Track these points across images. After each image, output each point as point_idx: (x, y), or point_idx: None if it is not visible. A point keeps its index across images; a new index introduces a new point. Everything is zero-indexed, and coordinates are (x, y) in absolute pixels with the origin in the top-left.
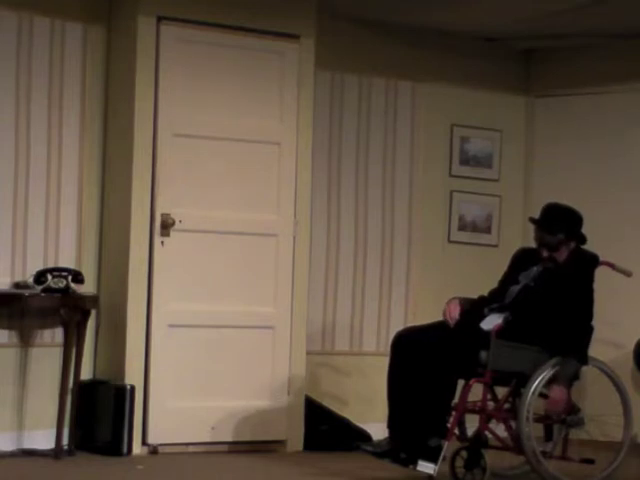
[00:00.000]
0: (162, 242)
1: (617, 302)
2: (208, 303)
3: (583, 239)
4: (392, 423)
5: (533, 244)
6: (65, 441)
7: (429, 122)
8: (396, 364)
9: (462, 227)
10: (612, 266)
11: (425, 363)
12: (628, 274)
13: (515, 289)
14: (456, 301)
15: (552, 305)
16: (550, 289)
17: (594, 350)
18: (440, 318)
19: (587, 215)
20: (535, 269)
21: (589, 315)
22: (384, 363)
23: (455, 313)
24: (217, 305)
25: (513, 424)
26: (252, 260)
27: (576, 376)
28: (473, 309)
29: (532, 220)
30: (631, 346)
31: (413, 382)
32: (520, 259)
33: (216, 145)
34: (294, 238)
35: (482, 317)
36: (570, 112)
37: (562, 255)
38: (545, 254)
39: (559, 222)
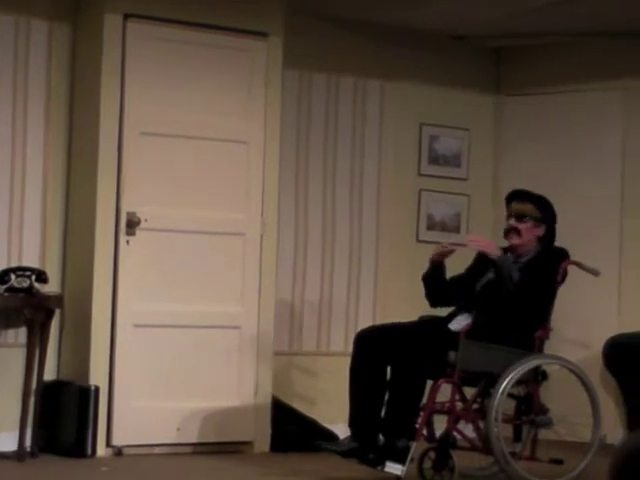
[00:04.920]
0: (127, 241)
1: (586, 302)
2: (174, 303)
3: (553, 231)
4: (354, 422)
5: (503, 244)
6: (28, 443)
7: (398, 121)
8: (359, 361)
9: (431, 226)
10: (579, 265)
11: (391, 362)
12: (596, 273)
13: (481, 283)
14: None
15: (515, 301)
16: (516, 284)
17: (563, 350)
18: (409, 319)
19: (557, 213)
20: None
21: (541, 304)
22: None
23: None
24: (183, 305)
25: (482, 424)
26: (219, 259)
27: (544, 376)
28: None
29: (513, 193)
30: (600, 346)
31: (378, 381)
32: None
33: (183, 143)
34: (261, 237)
35: (453, 316)
36: (540, 111)
37: (530, 244)
38: (515, 240)
39: (537, 196)
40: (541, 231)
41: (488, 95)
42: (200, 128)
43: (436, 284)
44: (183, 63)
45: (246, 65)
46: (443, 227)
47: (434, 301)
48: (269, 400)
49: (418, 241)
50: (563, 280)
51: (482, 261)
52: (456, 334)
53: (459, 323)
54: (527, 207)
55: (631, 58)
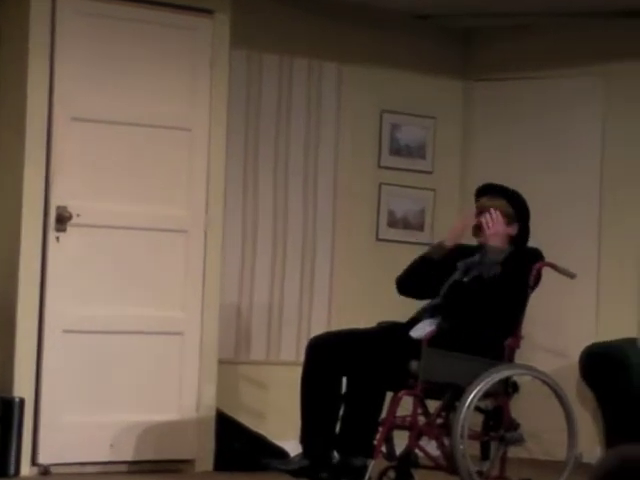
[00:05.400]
0: (57, 238)
1: (561, 307)
2: (109, 306)
3: (527, 229)
4: (306, 438)
5: (471, 243)
6: None
7: (356, 108)
8: (312, 371)
9: (392, 224)
10: (554, 267)
11: (347, 372)
12: (571, 276)
13: (448, 284)
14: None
15: (484, 308)
16: (484, 288)
17: (535, 360)
18: (367, 325)
19: (530, 209)
20: (476, 257)
21: (512, 310)
22: None
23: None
24: (118, 309)
25: (446, 441)
26: (158, 259)
27: (515, 388)
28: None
29: (483, 188)
30: (577, 355)
31: (332, 393)
32: (460, 249)
33: (119, 131)
34: (205, 234)
35: (414, 323)
36: (512, 98)
37: (503, 244)
38: (490, 231)
39: (510, 191)
40: (514, 230)
41: (455, 80)
42: (138, 113)
43: (430, 271)
44: (119, 42)
45: (189, 45)
46: (405, 225)
47: (412, 288)
48: (213, 414)
49: (378, 240)
50: (537, 283)
51: (454, 255)
52: (418, 342)
53: (421, 330)
54: (499, 203)
55: (612, 40)
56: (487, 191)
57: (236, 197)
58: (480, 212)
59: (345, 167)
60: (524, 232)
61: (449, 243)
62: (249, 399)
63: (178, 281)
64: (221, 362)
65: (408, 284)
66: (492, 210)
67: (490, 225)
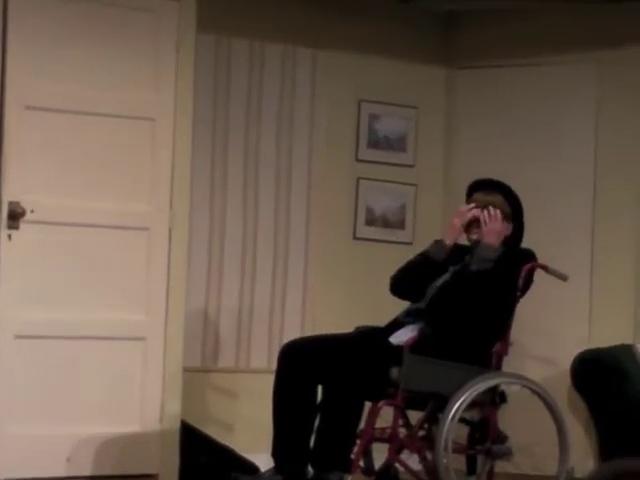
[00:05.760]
0: (9, 236)
1: (552, 311)
2: (64, 310)
3: (521, 230)
4: (278, 451)
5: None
6: None
7: (332, 97)
8: (285, 379)
9: (370, 221)
10: (545, 269)
11: (323, 380)
12: (564, 278)
13: (435, 287)
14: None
15: (471, 310)
16: (470, 281)
17: (525, 367)
18: (343, 330)
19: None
20: (467, 258)
21: (501, 314)
22: None
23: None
24: (76, 312)
25: (429, 455)
26: (119, 258)
27: (502, 398)
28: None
29: (478, 183)
30: (568, 363)
31: (307, 403)
32: (454, 248)
33: (77, 120)
34: (170, 232)
35: (395, 327)
36: (499, 86)
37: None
38: (487, 227)
39: (507, 187)
40: (509, 230)
41: (438, 67)
42: (97, 102)
43: (429, 272)
44: (77, 25)
45: (153, 28)
46: (385, 222)
47: (407, 290)
48: (177, 425)
49: (355, 238)
50: (527, 286)
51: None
52: (399, 348)
53: (403, 335)
54: (496, 199)
55: (606, 25)
56: (482, 186)
57: (203, 192)
58: (476, 208)
59: (320, 160)
60: (518, 232)
61: (449, 242)
62: (217, 410)
63: (140, 282)
64: (186, 370)
65: (404, 285)
66: (491, 208)
67: (488, 222)
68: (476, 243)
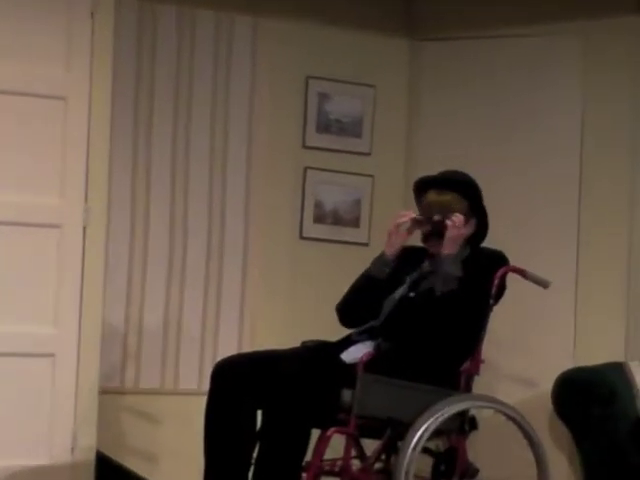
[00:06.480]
0: None
1: (531, 324)
2: None
3: (485, 225)
4: None
5: (418, 242)
6: None
7: (275, 72)
8: (218, 402)
9: (320, 218)
10: (523, 273)
11: (263, 404)
12: (545, 284)
13: (392, 300)
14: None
15: (435, 325)
16: (436, 305)
17: (499, 389)
18: (289, 346)
19: (490, 200)
20: (425, 266)
21: (470, 328)
22: None
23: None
24: None
25: None
26: (24, 260)
27: (473, 424)
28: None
29: (424, 181)
30: (549, 384)
31: (244, 429)
32: (407, 253)
33: None
34: (84, 230)
35: (347, 344)
36: (469, 61)
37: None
38: (449, 234)
39: (461, 181)
40: (471, 228)
41: (399, 39)
42: None
43: (377, 293)
44: None
45: None
46: (336, 219)
47: (358, 318)
48: (92, 457)
49: (302, 238)
50: (500, 294)
51: (403, 260)
52: (352, 366)
53: (357, 352)
54: (450, 198)
55: None
56: (430, 184)
57: (124, 183)
58: (429, 210)
59: (261, 147)
60: (481, 228)
61: (389, 253)
62: (138, 438)
63: (49, 289)
64: (103, 392)
65: (353, 314)
66: (457, 215)
67: (449, 230)
68: (434, 254)
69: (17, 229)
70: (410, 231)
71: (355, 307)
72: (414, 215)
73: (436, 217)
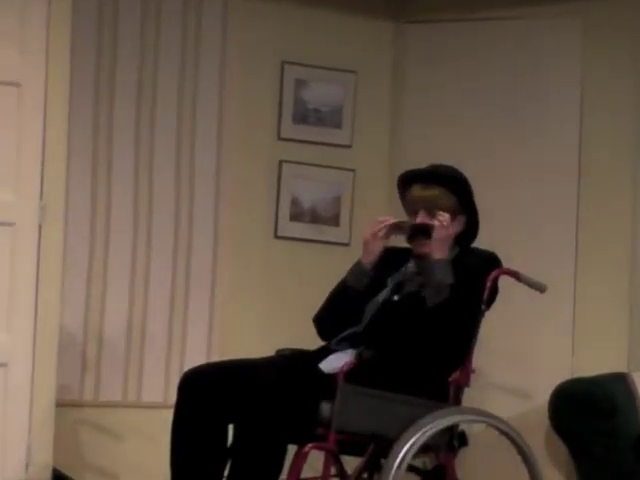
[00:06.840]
0: None
1: (527, 332)
2: None
3: (475, 223)
4: None
5: (402, 242)
6: None
7: (248, 57)
8: (186, 416)
9: (296, 216)
10: (517, 276)
11: (234, 417)
12: (541, 289)
13: (375, 304)
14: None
15: (423, 333)
16: (427, 315)
17: (491, 402)
18: (263, 354)
19: (480, 196)
20: (409, 267)
21: (460, 336)
22: None
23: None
24: None
25: None
26: None
27: (462, 440)
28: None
29: (409, 175)
30: (545, 396)
31: (214, 445)
32: (389, 254)
33: None
34: (40, 228)
35: (326, 352)
36: (459, 45)
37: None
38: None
39: (449, 175)
40: (459, 226)
41: (383, 21)
42: None
43: (356, 303)
44: None
45: None
46: (314, 217)
47: (338, 331)
48: (49, 474)
49: (277, 237)
50: (492, 299)
51: (385, 261)
52: (332, 377)
53: (336, 361)
54: (436, 193)
55: None
56: (416, 178)
57: (83, 178)
58: (413, 206)
59: (232, 139)
60: (471, 227)
61: (366, 262)
62: (98, 454)
63: (1, 292)
64: (60, 405)
65: (331, 327)
66: (442, 214)
67: (437, 230)
68: (422, 256)
69: None
70: (387, 236)
71: (333, 319)
72: (393, 221)
73: (418, 220)
